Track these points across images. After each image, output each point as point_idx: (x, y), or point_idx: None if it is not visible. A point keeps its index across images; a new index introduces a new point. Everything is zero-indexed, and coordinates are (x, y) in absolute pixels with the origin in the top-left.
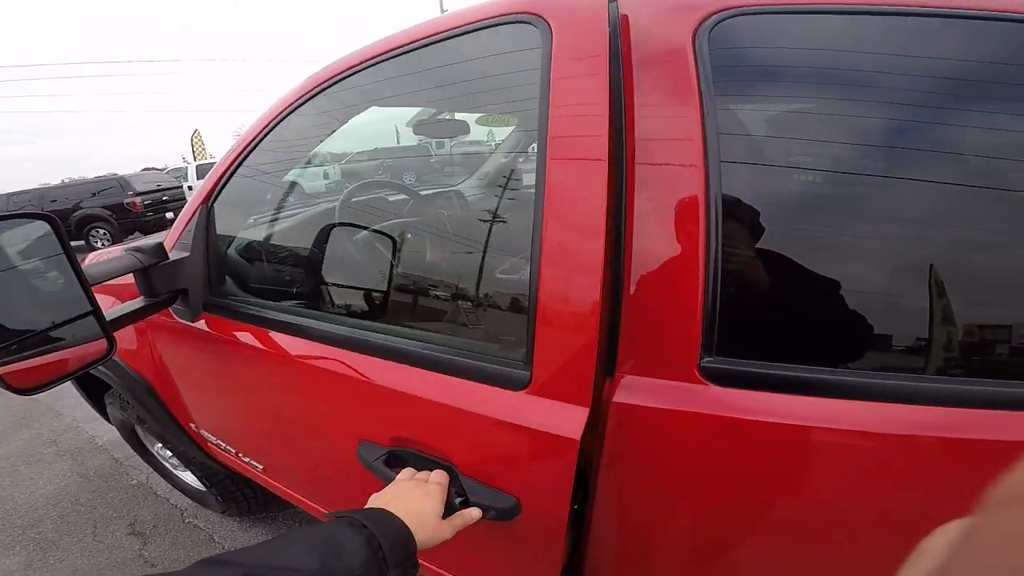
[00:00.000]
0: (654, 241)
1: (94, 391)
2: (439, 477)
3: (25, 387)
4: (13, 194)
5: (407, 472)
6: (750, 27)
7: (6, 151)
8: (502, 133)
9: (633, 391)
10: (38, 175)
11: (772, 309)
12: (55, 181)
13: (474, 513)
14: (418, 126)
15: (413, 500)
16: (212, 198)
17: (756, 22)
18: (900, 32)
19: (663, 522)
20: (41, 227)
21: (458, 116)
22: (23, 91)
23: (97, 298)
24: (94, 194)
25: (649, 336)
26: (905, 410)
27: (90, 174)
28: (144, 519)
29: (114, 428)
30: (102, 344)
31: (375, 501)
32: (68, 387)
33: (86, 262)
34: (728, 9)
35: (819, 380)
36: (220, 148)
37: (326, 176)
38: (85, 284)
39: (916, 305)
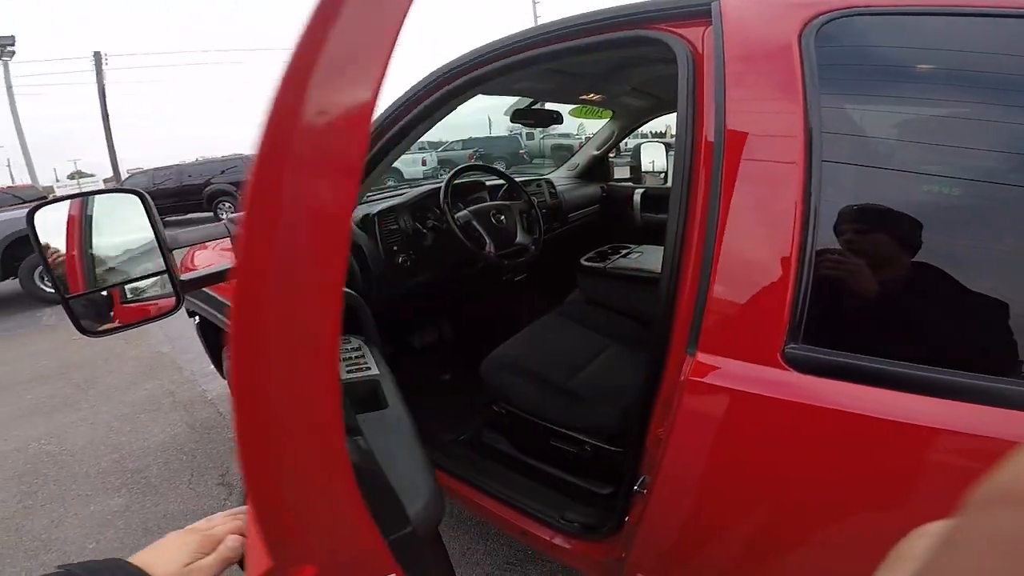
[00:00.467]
0: (748, 229)
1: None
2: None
3: (97, 330)
4: (157, 170)
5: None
6: (857, 27)
7: (141, 133)
8: (594, 126)
9: (710, 370)
10: (171, 155)
11: (861, 302)
12: (190, 159)
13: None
14: (516, 114)
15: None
16: None
17: (863, 23)
18: (1016, 36)
19: (724, 503)
20: (134, 199)
21: (551, 107)
22: (148, 78)
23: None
24: (222, 171)
25: (733, 319)
26: (995, 413)
27: (218, 154)
28: (234, 472)
29: (223, 384)
30: (171, 301)
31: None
32: (193, 343)
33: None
34: (836, 10)
35: (904, 375)
36: None
37: (424, 163)
38: (163, 248)
39: (1017, 309)
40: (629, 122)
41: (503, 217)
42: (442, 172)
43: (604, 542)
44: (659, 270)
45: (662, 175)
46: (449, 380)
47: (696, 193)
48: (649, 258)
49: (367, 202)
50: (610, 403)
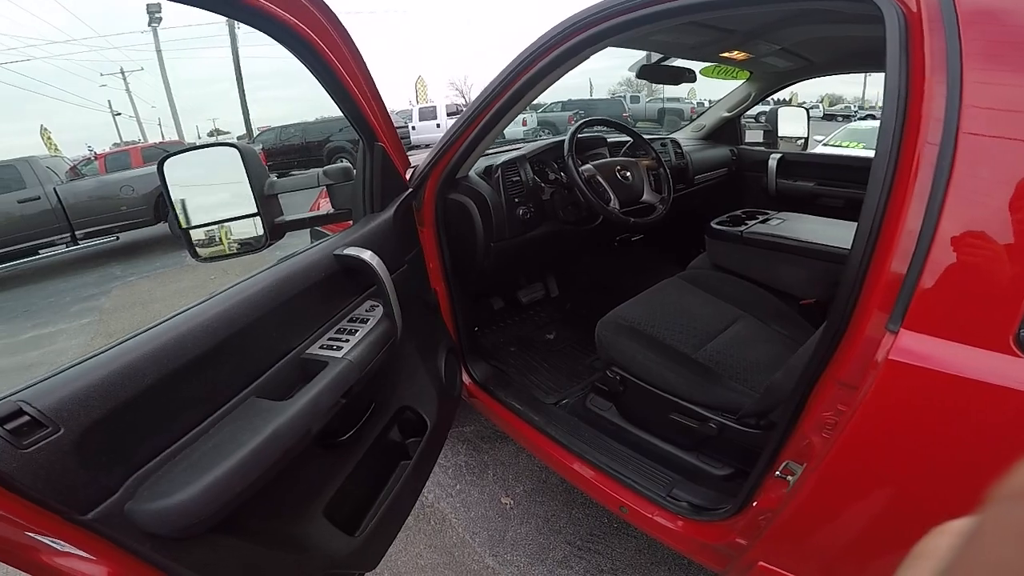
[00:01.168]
0: (980, 202)
1: None
2: None
3: (204, 256)
4: (284, 128)
5: None
6: None
7: (267, 94)
8: (725, 88)
9: (918, 351)
10: (293, 113)
11: None
12: (311, 118)
13: None
14: (643, 71)
15: None
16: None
17: None
18: None
19: (912, 500)
20: (233, 152)
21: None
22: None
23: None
24: (340, 129)
25: (953, 297)
26: None
27: (337, 113)
28: None
29: None
30: (263, 238)
31: None
32: None
33: None
34: None
35: None
36: (440, 93)
37: (524, 124)
38: (256, 192)
39: None
40: (768, 84)
41: (629, 174)
42: (543, 133)
43: (716, 525)
44: (806, 239)
45: (800, 141)
46: (553, 340)
47: (908, 164)
48: (793, 226)
49: (488, 155)
50: (745, 379)
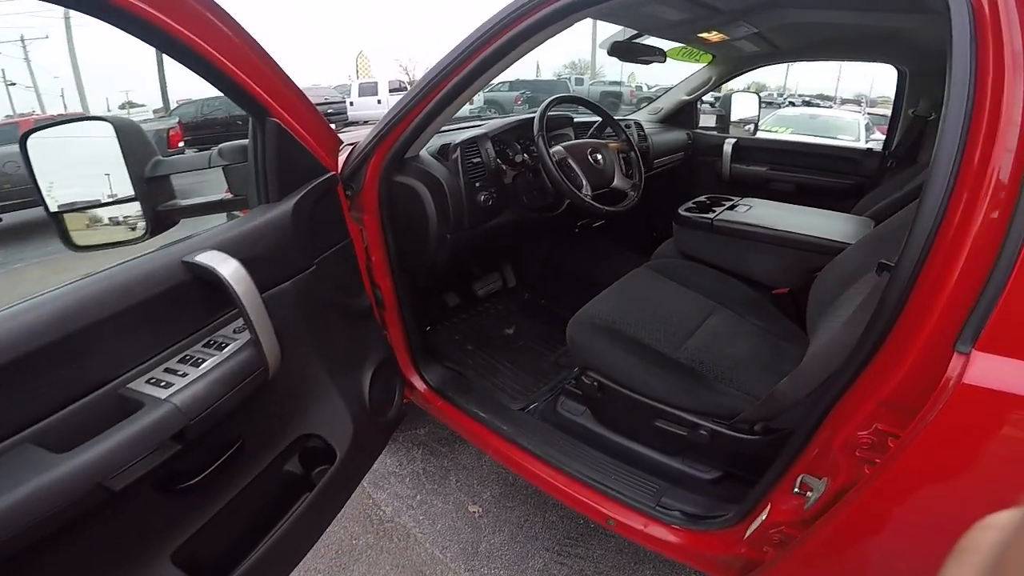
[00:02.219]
0: None
1: None
2: None
3: (79, 244)
4: (206, 100)
5: None
6: None
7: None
8: (689, 69)
9: (998, 376)
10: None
11: None
12: None
13: None
14: (615, 47)
15: None
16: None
17: None
18: None
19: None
20: (107, 126)
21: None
22: None
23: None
24: None
25: None
26: None
27: None
28: None
29: None
30: (143, 225)
31: None
32: None
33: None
34: None
35: None
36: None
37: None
38: (133, 174)
39: None
40: (729, 69)
41: (600, 157)
42: (488, 112)
43: (718, 535)
44: (777, 227)
45: (750, 127)
46: (513, 335)
47: (979, 171)
48: (761, 214)
49: (443, 133)
50: (730, 379)
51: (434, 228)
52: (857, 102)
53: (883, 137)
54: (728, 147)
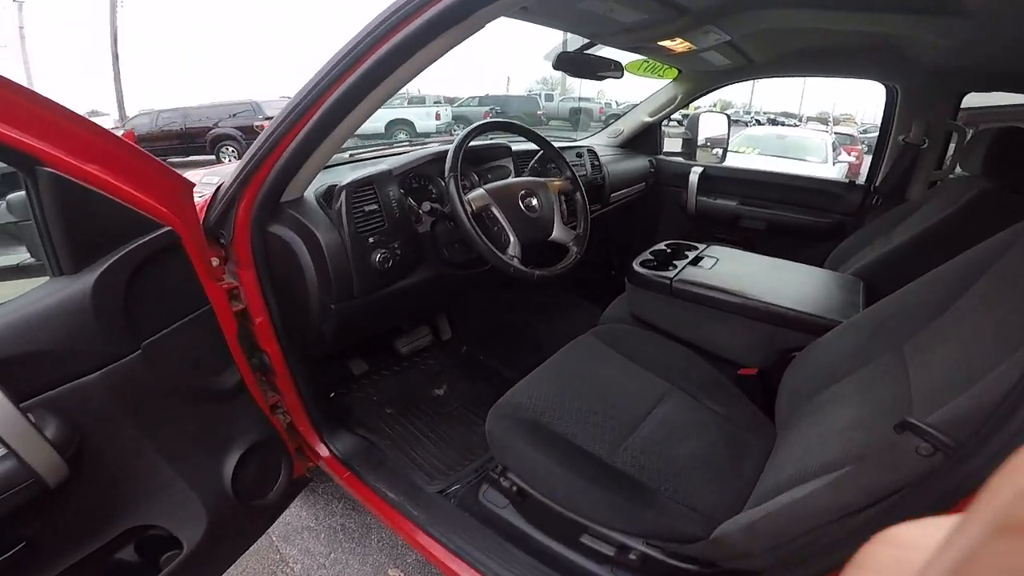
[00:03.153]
0: None
1: None
2: None
3: None
4: (162, 111)
5: None
6: None
7: (176, 75)
8: (653, 85)
9: None
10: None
11: None
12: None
13: None
14: (561, 60)
15: None
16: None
17: None
18: None
19: None
20: None
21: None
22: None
23: None
24: (233, 115)
25: None
26: None
27: (231, 98)
28: None
29: None
30: None
31: None
32: None
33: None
34: None
35: None
36: None
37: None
38: None
39: None
40: (697, 87)
41: (536, 202)
42: (457, 129)
43: None
44: (748, 295)
45: (718, 151)
46: (443, 396)
47: None
48: (727, 271)
49: (351, 162)
50: (676, 487)
51: (314, 295)
52: (822, 120)
53: (851, 159)
54: (694, 177)
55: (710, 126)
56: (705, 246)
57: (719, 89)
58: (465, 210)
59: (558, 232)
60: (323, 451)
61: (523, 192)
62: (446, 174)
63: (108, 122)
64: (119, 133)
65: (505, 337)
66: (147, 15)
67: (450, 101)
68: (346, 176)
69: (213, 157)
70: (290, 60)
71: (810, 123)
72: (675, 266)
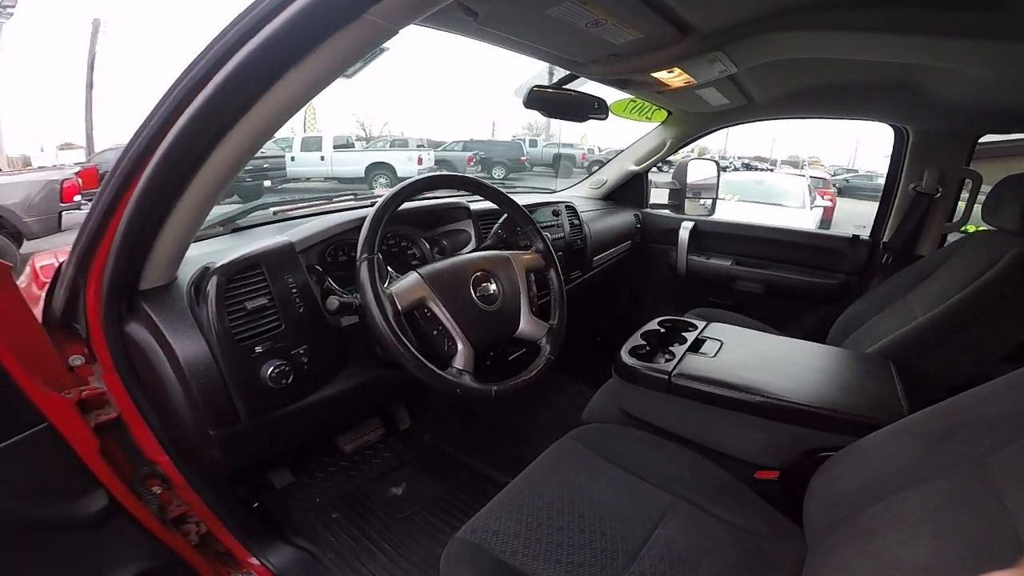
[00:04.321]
0: None
1: None
2: None
3: None
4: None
5: None
6: None
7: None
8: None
9: None
10: None
11: None
12: None
13: None
14: (533, 98)
15: None
16: None
17: None
18: None
19: None
20: None
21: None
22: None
23: None
24: None
25: None
26: None
27: None
28: None
29: None
30: None
31: None
32: None
33: None
34: None
35: None
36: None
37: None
38: None
39: None
40: (688, 131)
41: (495, 286)
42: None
43: None
44: (765, 391)
45: (707, 202)
46: (401, 496)
47: None
48: (735, 356)
49: (276, 222)
50: None
51: (187, 417)
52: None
53: (826, 202)
54: (684, 233)
55: (698, 174)
56: (704, 324)
57: (710, 134)
58: (384, 310)
59: (526, 325)
60: (252, 561)
61: (478, 274)
62: (358, 255)
63: (79, 155)
64: (64, 174)
65: (476, 423)
66: (134, 44)
67: (434, 145)
68: (229, 253)
69: None
70: None
71: (783, 167)
72: (671, 353)
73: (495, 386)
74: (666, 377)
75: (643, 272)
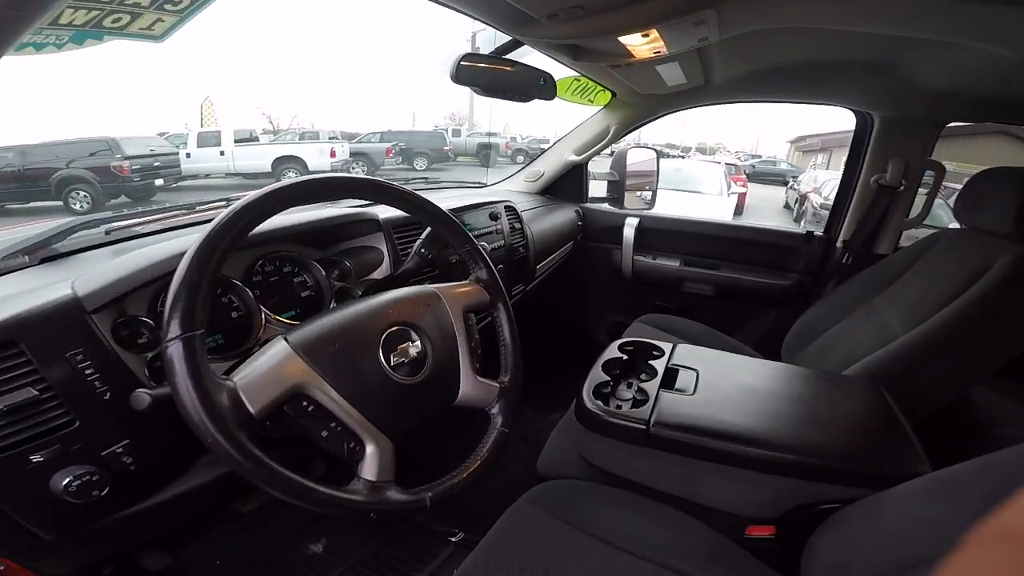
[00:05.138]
0: None
1: None
2: None
3: None
4: (29, 147)
5: None
6: None
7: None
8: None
9: None
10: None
11: None
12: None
13: None
14: (464, 71)
15: None
16: None
17: None
18: None
19: None
20: None
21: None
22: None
23: None
24: (92, 154)
25: None
26: None
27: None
28: None
29: None
30: None
31: None
32: None
33: None
34: None
35: None
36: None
37: (333, 155)
38: None
39: None
40: (634, 116)
41: (419, 344)
42: (355, 167)
43: None
44: (752, 435)
45: (646, 194)
46: (321, 555)
47: None
48: (718, 392)
49: (109, 243)
50: None
51: None
52: (701, 151)
53: (741, 188)
54: (630, 231)
55: (637, 164)
56: (672, 346)
57: (651, 122)
58: (222, 421)
59: (469, 389)
60: None
61: (391, 331)
62: (163, 331)
63: None
64: None
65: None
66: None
67: (349, 137)
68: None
69: (61, 203)
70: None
71: (695, 154)
72: (642, 392)
73: (429, 492)
74: (643, 428)
75: (585, 274)
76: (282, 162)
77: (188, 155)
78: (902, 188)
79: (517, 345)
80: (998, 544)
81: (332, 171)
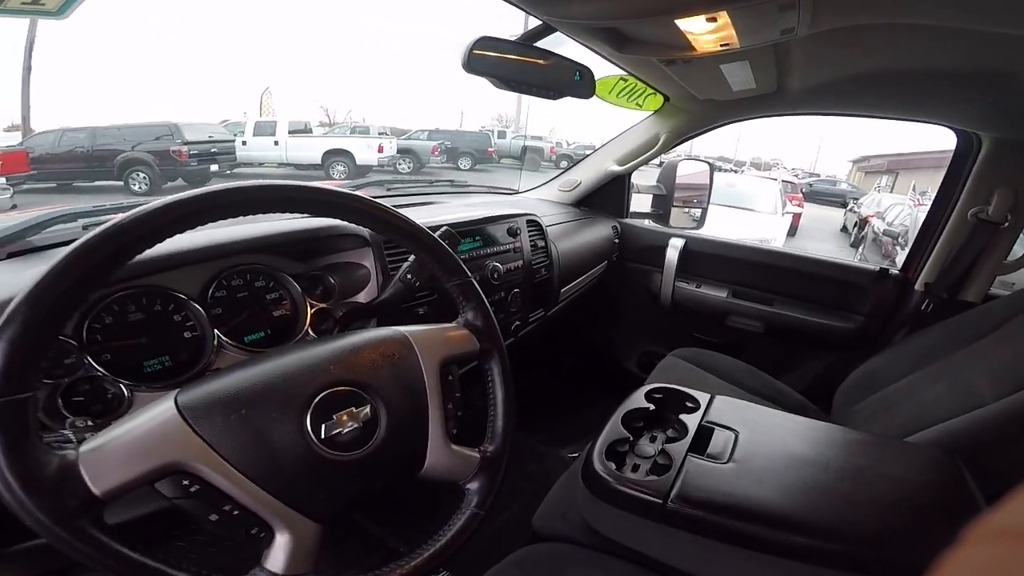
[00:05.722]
0: None
1: None
2: None
3: None
4: (67, 130)
5: None
6: None
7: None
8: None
9: None
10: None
11: None
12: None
13: None
14: (473, 59)
15: None
16: None
17: None
18: None
19: None
20: None
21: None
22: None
23: None
24: (158, 138)
25: None
26: None
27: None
28: None
29: None
30: None
31: None
32: None
33: None
34: None
35: None
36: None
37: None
38: None
39: None
40: (689, 124)
41: (367, 411)
42: (402, 164)
43: None
44: (790, 516)
45: (695, 211)
46: None
47: None
48: (757, 461)
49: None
50: None
51: None
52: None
53: (796, 208)
54: (673, 253)
55: (688, 177)
56: (709, 397)
57: (707, 132)
58: (43, 502)
59: (438, 459)
60: None
61: (325, 395)
62: None
63: (14, 137)
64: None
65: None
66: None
67: (398, 133)
68: None
69: (121, 183)
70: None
71: (750, 169)
72: (667, 456)
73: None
74: (660, 503)
75: (619, 297)
76: (331, 155)
77: (244, 143)
78: (1006, 225)
79: (512, 409)
80: (998, 540)
81: (379, 167)
